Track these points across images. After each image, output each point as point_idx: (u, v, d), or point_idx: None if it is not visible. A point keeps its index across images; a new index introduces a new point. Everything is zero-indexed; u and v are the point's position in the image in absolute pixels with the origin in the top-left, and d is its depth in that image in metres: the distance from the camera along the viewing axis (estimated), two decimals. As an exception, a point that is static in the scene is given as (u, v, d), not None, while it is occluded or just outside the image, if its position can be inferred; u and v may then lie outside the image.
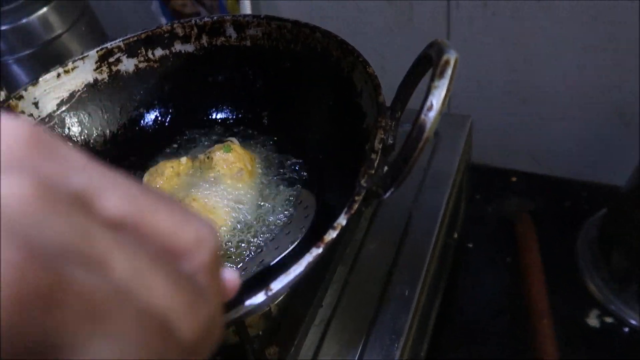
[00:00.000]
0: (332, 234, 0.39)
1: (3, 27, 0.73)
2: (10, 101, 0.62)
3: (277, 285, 0.37)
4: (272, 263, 0.51)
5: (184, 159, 0.63)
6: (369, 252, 0.62)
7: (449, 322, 0.74)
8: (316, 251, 0.39)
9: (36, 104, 0.64)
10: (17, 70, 0.77)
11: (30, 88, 0.64)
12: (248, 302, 0.37)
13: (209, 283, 0.19)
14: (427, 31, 0.81)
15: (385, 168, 0.43)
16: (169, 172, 0.61)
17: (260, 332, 0.54)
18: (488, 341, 0.71)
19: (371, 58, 0.55)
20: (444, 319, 0.71)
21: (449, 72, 0.36)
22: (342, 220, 0.40)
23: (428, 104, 0.35)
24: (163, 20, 0.97)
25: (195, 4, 0.94)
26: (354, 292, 0.58)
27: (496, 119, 0.88)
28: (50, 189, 0.16)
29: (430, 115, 0.35)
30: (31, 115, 0.64)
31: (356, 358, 0.52)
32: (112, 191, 0.18)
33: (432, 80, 0.36)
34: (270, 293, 0.37)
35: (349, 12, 0.84)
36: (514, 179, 0.91)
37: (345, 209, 0.41)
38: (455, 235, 0.77)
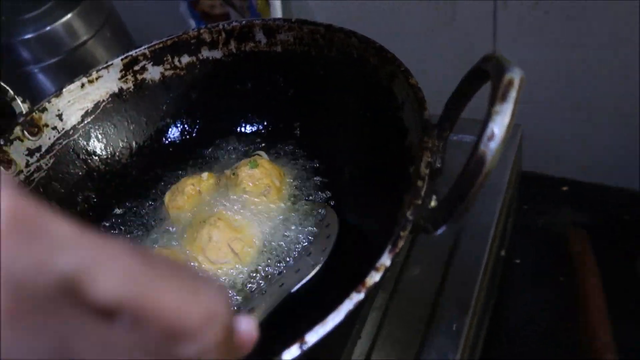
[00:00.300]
0: (374, 277, 0.35)
1: (27, 36, 0.71)
2: (34, 114, 0.60)
3: (313, 337, 0.33)
4: (293, 290, 0.47)
5: (205, 175, 0.59)
6: (412, 276, 0.57)
7: (496, 345, 0.68)
8: (357, 297, 0.34)
9: (60, 116, 0.62)
10: (42, 80, 0.75)
11: (53, 99, 0.61)
12: (282, 358, 0.32)
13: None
14: (471, 33, 0.75)
15: (434, 198, 0.38)
16: (190, 190, 0.57)
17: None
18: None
19: (410, 62, 0.50)
20: (492, 344, 0.66)
21: (513, 94, 0.30)
22: (386, 261, 0.36)
23: (488, 132, 0.30)
24: (191, 22, 0.93)
25: (224, 5, 0.90)
26: (395, 321, 0.53)
27: (546, 125, 0.81)
28: (27, 292, 0.14)
29: (492, 147, 0.30)
30: (55, 128, 0.61)
31: (397, 400, 0.47)
32: (107, 269, 0.16)
33: (492, 104, 0.31)
34: (305, 347, 0.33)
35: (387, 12, 0.78)
36: (565, 188, 0.84)
37: (389, 246, 0.36)
38: (503, 253, 0.71)
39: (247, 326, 0.22)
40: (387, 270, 0.35)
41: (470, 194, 0.31)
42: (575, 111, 0.78)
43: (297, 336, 0.33)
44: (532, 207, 0.82)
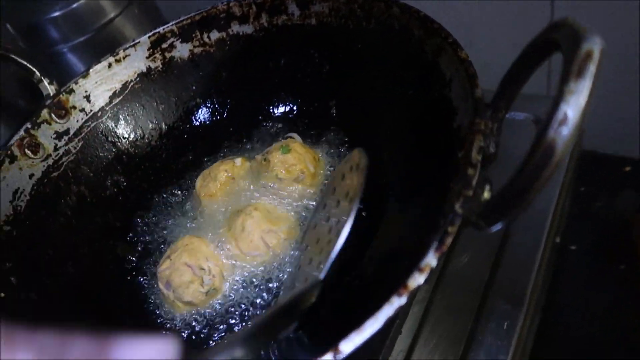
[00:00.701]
0: (418, 279, 0.31)
1: (54, 14, 0.69)
2: (61, 96, 0.58)
3: (348, 346, 0.30)
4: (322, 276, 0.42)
5: (238, 161, 0.56)
6: (458, 266, 0.52)
7: (548, 340, 0.63)
8: (398, 302, 0.30)
9: (87, 98, 0.60)
10: (72, 60, 0.73)
11: (80, 80, 0.59)
12: (312, 366, 0.29)
13: None
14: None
15: (487, 188, 0.34)
16: (222, 177, 0.54)
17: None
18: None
19: (457, 32, 0.44)
20: (545, 338, 0.61)
21: (592, 69, 0.25)
22: (432, 260, 0.31)
23: (560, 115, 0.25)
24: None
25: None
26: (440, 316, 0.49)
27: (608, 100, 0.73)
28: None
29: (564, 133, 0.25)
30: (83, 110, 0.59)
31: (441, 403, 0.43)
32: None
33: (565, 81, 0.25)
34: (339, 357, 0.29)
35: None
36: (627, 168, 0.76)
37: (435, 244, 0.32)
38: (558, 239, 0.65)
39: None
40: (432, 270, 0.31)
41: (534, 188, 0.27)
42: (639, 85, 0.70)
43: (331, 340, 0.30)
44: (591, 189, 0.76)
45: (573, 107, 0.25)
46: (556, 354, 0.63)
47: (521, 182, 0.27)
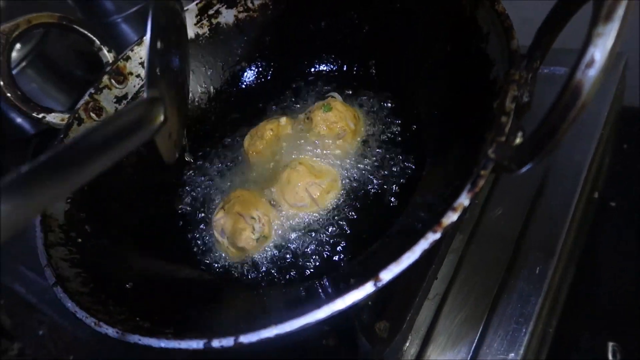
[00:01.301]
0: (451, 217, 0.34)
1: (110, -14, 0.73)
2: (119, 63, 0.62)
3: (388, 275, 0.33)
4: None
5: (283, 120, 0.59)
6: (492, 218, 0.55)
7: (584, 297, 0.64)
8: (433, 237, 0.33)
9: (142, 64, 0.64)
10: (125, 29, 0.78)
11: (136, 48, 0.63)
12: (354, 293, 0.33)
13: None
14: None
15: (519, 134, 0.35)
16: (268, 135, 0.58)
17: (370, 302, 0.51)
18: (633, 321, 0.61)
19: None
20: (579, 293, 0.62)
21: (620, 12, 0.26)
22: (465, 200, 0.34)
23: (587, 58, 0.27)
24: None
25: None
26: (474, 264, 0.52)
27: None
28: None
29: (590, 75, 0.27)
30: (139, 75, 0.64)
31: (475, 340, 0.47)
32: None
33: (593, 24, 0.27)
34: (379, 284, 0.33)
35: None
36: (675, 124, 0.75)
37: (469, 186, 0.34)
38: (596, 195, 0.66)
39: None
40: (465, 210, 0.34)
41: (561, 129, 0.29)
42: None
43: (372, 272, 0.33)
44: (634, 147, 0.75)
45: (600, 50, 0.27)
46: (592, 308, 0.64)
47: (549, 123, 0.29)
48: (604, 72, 0.27)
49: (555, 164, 0.56)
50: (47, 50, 0.86)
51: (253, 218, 0.50)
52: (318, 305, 0.33)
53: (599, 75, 0.27)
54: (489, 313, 0.47)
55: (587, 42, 0.27)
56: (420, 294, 0.49)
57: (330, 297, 0.33)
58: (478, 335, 0.46)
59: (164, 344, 0.36)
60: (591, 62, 0.27)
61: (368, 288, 0.33)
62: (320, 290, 0.44)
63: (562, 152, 0.56)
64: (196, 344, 0.35)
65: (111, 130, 0.31)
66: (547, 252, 0.49)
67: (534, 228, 0.52)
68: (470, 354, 0.45)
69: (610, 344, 0.60)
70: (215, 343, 0.34)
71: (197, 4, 0.64)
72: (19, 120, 0.89)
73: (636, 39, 0.69)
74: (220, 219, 0.50)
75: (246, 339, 0.34)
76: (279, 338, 0.33)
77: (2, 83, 0.56)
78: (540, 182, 0.55)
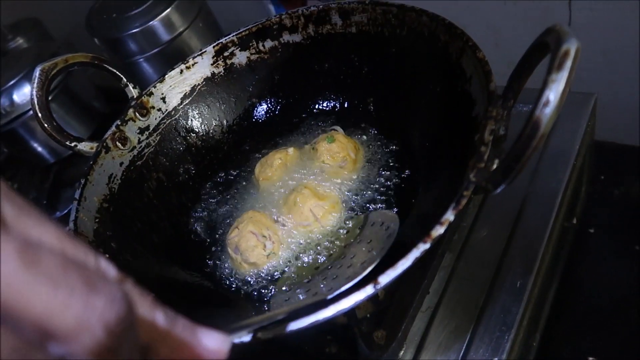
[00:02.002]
0: (439, 230, 0.40)
1: (133, 30, 0.81)
2: (143, 98, 0.69)
3: (385, 279, 0.39)
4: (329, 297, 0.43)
5: (291, 150, 0.66)
6: (478, 239, 0.60)
7: (566, 312, 0.70)
8: (423, 246, 0.39)
9: (163, 99, 0.71)
10: (146, 68, 0.86)
11: (158, 84, 0.70)
12: (357, 294, 0.38)
13: None
14: (547, 1, 0.75)
15: (496, 161, 0.42)
16: (277, 163, 0.64)
17: (368, 315, 0.56)
18: (611, 338, 0.66)
19: (484, 33, 0.52)
20: (560, 310, 0.68)
21: (569, 64, 0.33)
22: (450, 216, 0.40)
23: (544, 99, 0.33)
24: (270, 7, 1.00)
25: (301, -10, 0.96)
26: (462, 279, 0.57)
27: (625, 93, 0.79)
28: None
29: (546, 112, 0.33)
30: (160, 109, 0.71)
31: (463, 347, 0.52)
32: None
33: (549, 72, 0.34)
34: (378, 286, 0.38)
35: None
36: (645, 158, 0.82)
37: (453, 204, 0.41)
38: (575, 220, 0.72)
39: (213, 343, 0.23)
40: (450, 224, 0.40)
41: (525, 155, 0.35)
42: (656, 79, 0.76)
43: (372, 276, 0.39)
44: (609, 177, 0.82)
45: (554, 93, 0.33)
46: (573, 321, 0.69)
47: (515, 151, 0.35)
48: (558, 110, 0.34)
49: (534, 191, 0.62)
50: (70, 85, 0.94)
51: (264, 236, 0.56)
52: (326, 305, 0.39)
53: (554, 112, 0.33)
54: (476, 323, 0.52)
55: (544, 86, 0.34)
56: (414, 306, 0.55)
57: (336, 299, 0.39)
58: (466, 342, 0.51)
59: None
60: (547, 102, 0.33)
61: (368, 290, 0.38)
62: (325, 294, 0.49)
63: (540, 181, 0.63)
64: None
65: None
66: (526, 269, 0.54)
67: (515, 247, 0.58)
68: (459, 359, 0.50)
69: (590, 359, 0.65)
70: (235, 339, 0.40)
71: (214, 47, 0.72)
72: (40, 149, 0.95)
73: (604, 81, 0.77)
74: (234, 237, 0.56)
75: (263, 335, 0.39)
76: (292, 334, 0.39)
77: (40, 115, 0.63)
78: (520, 207, 0.62)
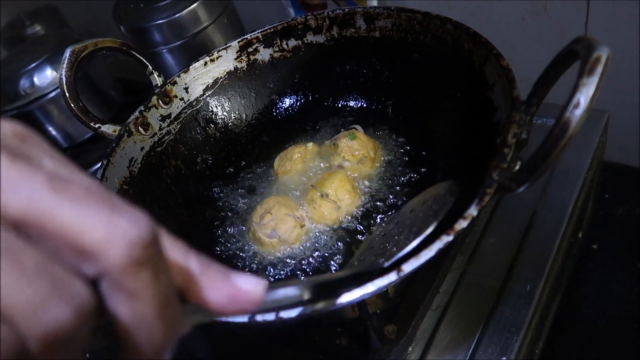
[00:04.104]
0: (462, 224, 0.41)
1: (160, 21, 0.82)
2: (167, 86, 0.70)
3: (408, 267, 0.40)
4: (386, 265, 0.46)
5: (310, 145, 0.67)
6: (488, 245, 0.62)
7: (568, 325, 0.71)
8: (447, 239, 0.40)
9: (186, 89, 0.72)
10: (168, 59, 0.87)
11: (182, 75, 0.72)
12: (380, 280, 0.39)
13: (132, 284, 0.19)
14: (562, 22, 0.77)
15: (518, 163, 0.44)
16: (296, 157, 0.66)
17: (378, 311, 0.57)
18: (610, 351, 0.68)
19: (500, 49, 0.54)
20: (563, 321, 0.69)
21: (600, 69, 0.35)
22: (473, 211, 0.41)
23: (575, 101, 0.35)
24: (291, 12, 1.02)
25: (323, -5, 0.98)
26: (471, 281, 0.58)
27: (634, 114, 0.82)
28: None
29: (576, 114, 0.35)
30: (182, 99, 0.72)
31: (472, 346, 0.53)
32: (15, 187, 0.17)
33: (580, 77, 0.36)
34: (401, 274, 0.39)
35: (479, 0, 0.83)
36: (650, 179, 0.84)
37: (477, 200, 0.42)
38: (580, 235, 0.74)
39: (248, 285, 0.23)
40: (474, 219, 0.41)
41: (553, 155, 0.37)
42: (665, 102, 0.78)
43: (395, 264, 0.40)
44: (614, 196, 0.84)
45: (584, 96, 0.35)
46: (574, 332, 0.71)
47: (544, 149, 0.37)
48: (587, 112, 0.35)
49: (545, 202, 0.64)
50: (91, 73, 0.95)
51: (299, 217, 0.57)
52: (349, 289, 0.40)
53: (583, 114, 0.35)
54: (485, 323, 0.54)
55: (575, 90, 0.36)
56: (424, 303, 0.56)
57: (360, 284, 0.40)
58: (475, 341, 0.52)
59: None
60: (577, 104, 0.35)
61: (392, 277, 0.39)
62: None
63: (551, 193, 0.65)
64: (241, 318, 0.41)
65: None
66: (537, 273, 0.56)
67: (525, 253, 0.59)
68: (468, 357, 0.51)
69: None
70: (259, 317, 0.41)
71: (239, 42, 0.74)
72: (54, 133, 0.96)
73: (613, 102, 0.80)
74: (269, 221, 0.57)
75: (286, 314, 0.40)
76: (315, 313, 0.40)
77: (68, 95, 0.64)
78: (530, 217, 0.63)
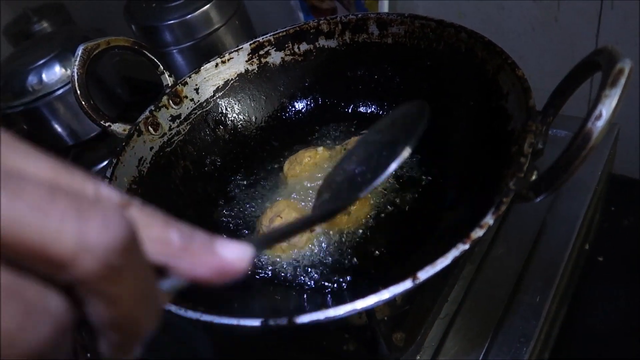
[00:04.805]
0: (478, 232, 0.41)
1: (171, 21, 0.82)
2: (177, 87, 0.70)
3: (424, 275, 0.40)
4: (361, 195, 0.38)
5: (320, 149, 0.67)
6: (497, 254, 0.62)
7: (573, 336, 0.71)
8: (463, 247, 0.40)
9: (197, 90, 0.72)
10: (178, 59, 0.87)
11: (193, 75, 0.72)
12: (396, 287, 0.39)
13: (110, 290, 0.18)
14: (573, 32, 0.77)
15: (535, 172, 0.44)
16: (306, 161, 0.65)
17: (386, 318, 0.56)
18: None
19: (510, 59, 0.54)
20: (568, 332, 0.69)
21: (623, 81, 0.35)
22: (490, 220, 0.41)
23: (597, 112, 0.35)
24: (301, 16, 1.02)
25: (333, 0, 0.98)
26: (480, 291, 0.58)
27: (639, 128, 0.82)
28: None
29: (598, 125, 0.35)
30: (192, 99, 0.72)
31: (481, 356, 0.53)
32: None
33: (602, 88, 0.36)
34: (417, 281, 0.39)
35: (490, 10, 0.83)
36: (656, 193, 0.85)
37: (493, 209, 0.42)
38: (587, 247, 0.73)
39: (233, 254, 0.22)
40: (490, 228, 0.41)
41: (573, 165, 0.37)
42: (675, 116, 0.78)
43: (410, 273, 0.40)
44: (620, 209, 0.84)
45: (607, 107, 0.35)
46: (579, 343, 0.70)
47: (565, 159, 0.37)
48: (609, 124, 0.35)
49: (556, 213, 0.64)
50: (98, 71, 0.95)
51: None
52: (364, 295, 0.39)
53: (605, 126, 0.35)
54: (494, 332, 0.53)
55: (597, 101, 0.35)
56: (433, 311, 0.56)
57: (374, 290, 0.39)
58: (484, 350, 0.52)
59: (225, 320, 0.41)
60: (599, 116, 0.35)
61: (407, 284, 0.39)
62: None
63: (561, 204, 0.65)
64: (253, 322, 0.41)
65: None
66: (546, 284, 0.56)
67: (535, 264, 0.59)
68: (477, 366, 0.51)
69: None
70: (271, 322, 0.40)
71: (250, 44, 0.74)
72: (60, 130, 0.95)
73: (621, 115, 0.80)
74: (280, 224, 0.56)
75: (299, 319, 0.40)
76: (328, 321, 0.39)
77: (79, 92, 0.63)
78: (539, 229, 0.63)
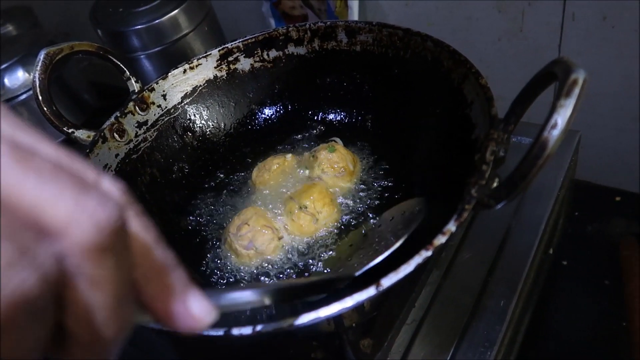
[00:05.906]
0: (441, 239, 0.41)
1: (139, 26, 0.81)
2: (144, 92, 0.69)
3: (387, 281, 0.40)
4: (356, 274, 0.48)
5: (289, 156, 0.67)
6: (463, 260, 0.62)
7: (538, 340, 0.72)
8: (425, 254, 0.41)
9: (164, 96, 0.71)
10: (146, 65, 0.86)
11: (160, 81, 0.71)
12: (360, 294, 0.39)
13: (93, 271, 0.18)
14: (537, 42, 0.79)
15: (496, 180, 0.44)
16: (275, 168, 0.65)
17: (354, 324, 0.57)
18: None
19: (477, 67, 0.55)
20: (533, 336, 0.70)
21: (577, 91, 0.36)
22: (452, 227, 0.42)
23: (552, 122, 0.36)
24: (271, 21, 1.02)
25: (304, 7, 0.98)
26: (447, 296, 0.59)
27: (604, 135, 0.84)
28: None
29: (554, 134, 0.36)
30: (159, 106, 0.71)
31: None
32: None
33: (557, 98, 0.37)
34: (380, 288, 0.39)
35: (457, 20, 0.85)
36: (618, 198, 0.87)
37: (455, 216, 0.42)
38: (551, 251, 0.75)
39: (197, 310, 0.22)
40: (452, 235, 0.42)
41: (531, 174, 0.37)
42: (635, 123, 0.81)
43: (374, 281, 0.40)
44: (584, 214, 0.86)
45: (562, 117, 0.36)
46: (545, 347, 0.72)
47: (523, 167, 0.38)
48: (564, 133, 0.36)
49: (519, 219, 0.65)
50: (64, 76, 0.93)
51: (277, 229, 0.56)
52: (328, 303, 0.39)
53: (561, 135, 0.36)
54: (459, 338, 0.54)
55: (552, 110, 0.36)
56: (400, 317, 0.56)
57: (339, 298, 0.39)
58: (449, 356, 0.53)
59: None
60: (555, 125, 0.36)
61: (371, 291, 0.39)
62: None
63: (524, 210, 0.66)
64: (217, 332, 0.40)
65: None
66: (510, 289, 0.57)
67: (499, 270, 0.60)
68: (443, 372, 0.51)
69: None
70: (235, 331, 0.40)
71: (219, 51, 0.73)
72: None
73: (585, 123, 0.82)
74: (246, 233, 0.56)
75: (263, 328, 0.39)
76: (293, 329, 0.39)
77: (41, 98, 0.62)
78: (504, 234, 0.64)
